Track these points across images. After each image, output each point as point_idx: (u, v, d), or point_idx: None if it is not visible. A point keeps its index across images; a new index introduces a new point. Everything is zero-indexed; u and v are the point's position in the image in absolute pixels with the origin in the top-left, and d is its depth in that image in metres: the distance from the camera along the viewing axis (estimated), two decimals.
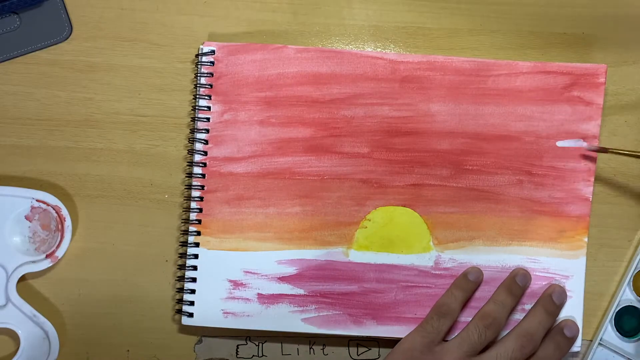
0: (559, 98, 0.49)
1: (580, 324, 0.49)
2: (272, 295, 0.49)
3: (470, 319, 0.48)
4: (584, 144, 0.49)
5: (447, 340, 0.47)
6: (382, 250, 0.49)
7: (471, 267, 0.49)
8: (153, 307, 0.50)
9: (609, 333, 0.50)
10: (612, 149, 0.47)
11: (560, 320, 0.48)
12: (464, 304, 0.48)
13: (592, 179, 0.49)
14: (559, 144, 0.49)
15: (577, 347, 0.48)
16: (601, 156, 0.49)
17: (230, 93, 0.49)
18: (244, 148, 0.49)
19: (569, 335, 0.47)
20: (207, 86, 0.49)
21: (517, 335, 0.47)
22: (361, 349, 0.51)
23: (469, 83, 0.49)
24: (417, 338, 0.47)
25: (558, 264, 0.49)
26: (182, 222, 0.50)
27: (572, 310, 0.49)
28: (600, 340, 0.50)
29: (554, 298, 0.48)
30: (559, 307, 0.48)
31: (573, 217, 0.49)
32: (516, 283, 0.48)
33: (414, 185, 0.49)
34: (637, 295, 0.49)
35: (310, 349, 0.51)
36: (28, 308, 0.49)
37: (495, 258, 0.49)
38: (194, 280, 0.49)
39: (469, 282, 0.48)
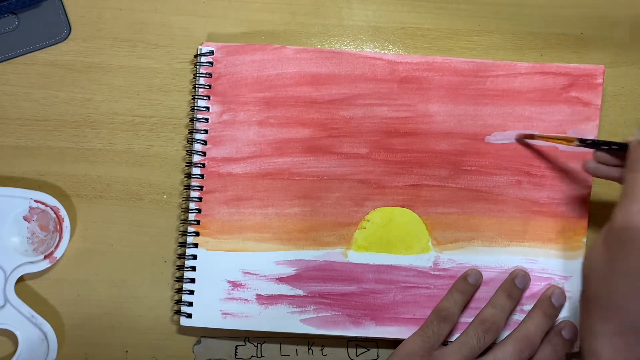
0: (557, 99, 0.49)
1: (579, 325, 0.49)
2: (271, 296, 0.49)
3: (470, 319, 0.48)
4: (514, 136, 0.49)
5: (446, 343, 0.47)
6: (381, 251, 0.49)
7: (471, 270, 0.49)
8: (152, 307, 0.50)
9: None
10: (538, 135, 0.48)
11: (559, 322, 0.48)
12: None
13: (591, 179, 0.49)
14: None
15: (577, 347, 0.48)
16: None
17: (229, 93, 0.49)
18: (242, 148, 0.49)
19: (567, 337, 0.47)
20: (205, 87, 0.49)
21: (515, 339, 0.47)
22: (360, 350, 0.51)
23: (468, 84, 0.49)
24: (417, 342, 0.47)
25: (557, 264, 0.49)
26: (180, 223, 0.50)
27: (571, 310, 0.49)
28: None
29: (552, 300, 0.48)
30: (558, 309, 0.48)
31: (572, 217, 0.49)
32: (515, 286, 0.48)
33: (412, 185, 0.49)
34: None
35: (309, 349, 0.51)
36: (26, 309, 0.49)
37: (494, 259, 0.49)
38: (192, 281, 0.49)
39: (469, 284, 0.48)
